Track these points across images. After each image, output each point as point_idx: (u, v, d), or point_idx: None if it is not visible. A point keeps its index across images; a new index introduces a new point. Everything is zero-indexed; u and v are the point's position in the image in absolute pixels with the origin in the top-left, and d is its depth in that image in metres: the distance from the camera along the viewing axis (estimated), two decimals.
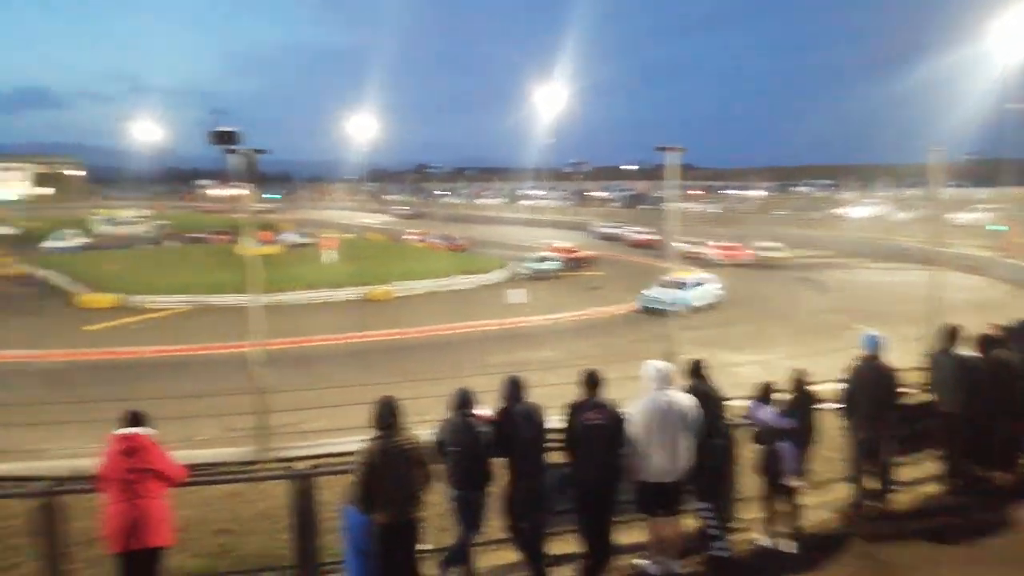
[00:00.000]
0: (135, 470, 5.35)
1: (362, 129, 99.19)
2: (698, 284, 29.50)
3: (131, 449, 5.39)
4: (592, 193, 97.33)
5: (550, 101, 66.03)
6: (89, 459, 10.14)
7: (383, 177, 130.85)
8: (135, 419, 5.57)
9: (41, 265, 40.18)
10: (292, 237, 53.64)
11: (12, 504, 7.85)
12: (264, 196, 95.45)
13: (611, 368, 6.75)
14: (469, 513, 5.95)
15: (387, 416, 5.37)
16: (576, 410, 5.95)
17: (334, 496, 7.56)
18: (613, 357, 15.99)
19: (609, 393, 6.05)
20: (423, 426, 5.64)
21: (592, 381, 6.00)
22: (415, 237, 56.24)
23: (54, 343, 22.57)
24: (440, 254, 46.79)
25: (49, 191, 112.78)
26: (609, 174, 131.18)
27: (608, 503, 6.01)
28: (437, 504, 7.15)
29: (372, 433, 5.37)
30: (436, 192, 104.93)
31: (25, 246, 50.51)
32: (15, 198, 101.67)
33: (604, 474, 5.94)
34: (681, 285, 27.79)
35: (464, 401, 6.00)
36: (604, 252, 47.99)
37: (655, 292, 27.60)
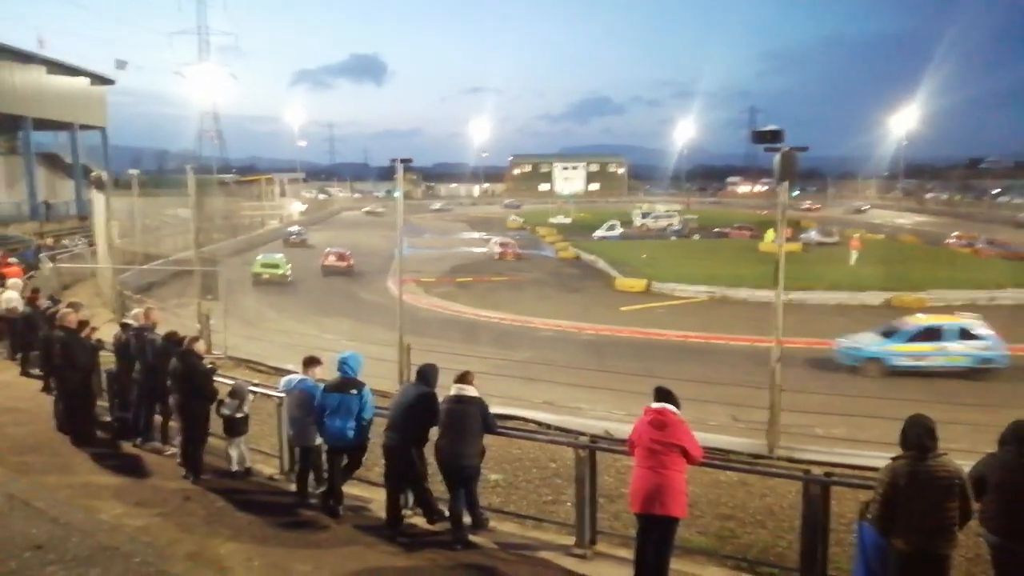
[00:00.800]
0: (662, 443, 5.82)
1: (901, 121, 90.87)
2: None
3: (661, 423, 5.89)
4: None
5: None
6: (616, 423, 11.50)
7: (923, 173, 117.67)
8: (666, 396, 6.07)
9: (587, 251, 46.48)
10: (814, 235, 52.11)
11: (560, 451, 9.36)
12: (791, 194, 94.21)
13: None
14: (1013, 569, 5.05)
15: (919, 436, 4.85)
16: None
17: (846, 509, 7.19)
18: None
19: None
20: (954, 456, 4.95)
21: None
22: (959, 241, 49.41)
23: (594, 318, 25.94)
24: (991, 262, 40.22)
25: (597, 187, 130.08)
26: None
27: None
28: (966, 546, 6.27)
29: (900, 452, 4.92)
30: (991, 191, 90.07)
31: (576, 234, 59.10)
32: (573, 192, 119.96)
33: None
34: None
35: (1018, 436, 5.09)
36: None
37: None
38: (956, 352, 18.75)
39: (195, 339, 9.36)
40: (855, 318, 26.03)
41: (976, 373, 18.51)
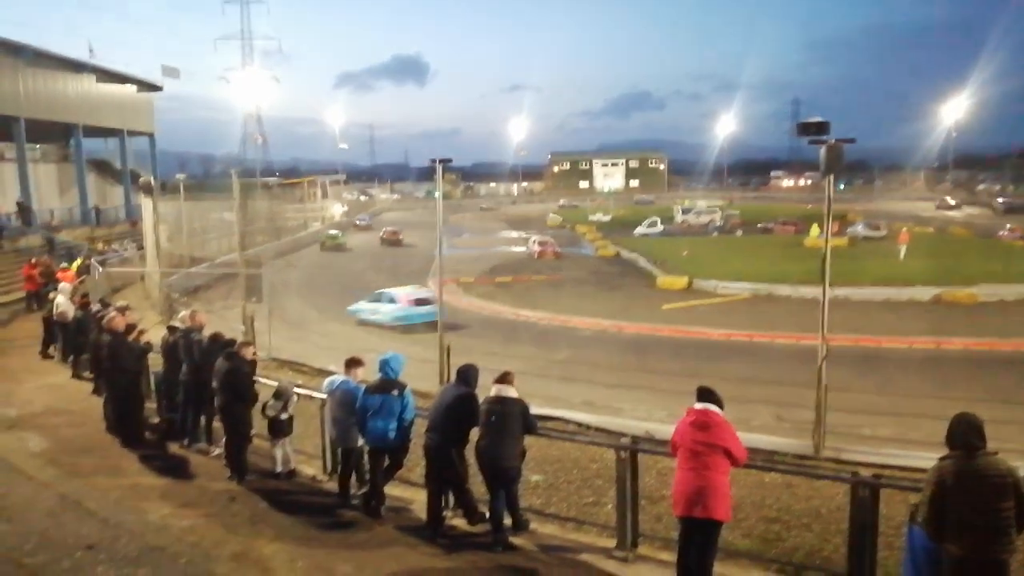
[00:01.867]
0: (705, 444, 5.73)
1: (950, 111, 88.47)
2: None
3: (704, 423, 5.80)
4: None
5: None
6: (658, 424, 11.39)
7: (974, 164, 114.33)
8: (709, 396, 5.96)
9: (628, 248, 46.17)
10: (860, 229, 51.03)
11: (601, 452, 9.29)
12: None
13: None
14: None
15: (965, 435, 4.69)
16: None
17: (895, 511, 7.01)
18: None
19: None
20: (1007, 456, 4.77)
21: None
22: (1012, 234, 47.93)
23: (635, 317, 25.74)
24: None
25: (636, 182, 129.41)
26: None
27: None
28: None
29: (947, 452, 4.76)
30: None
31: (616, 231, 58.78)
32: (613, 189, 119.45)
33: None
34: None
35: None
36: None
37: None
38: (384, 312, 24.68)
39: (246, 344, 9.49)
40: (904, 314, 25.43)
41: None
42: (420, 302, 24.52)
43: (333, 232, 56.51)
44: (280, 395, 9.04)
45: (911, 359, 19.18)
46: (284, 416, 8.96)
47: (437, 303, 18.69)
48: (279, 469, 8.95)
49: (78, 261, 25.16)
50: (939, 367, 18.15)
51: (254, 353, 9.72)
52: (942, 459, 4.77)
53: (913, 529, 5.12)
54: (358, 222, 70.85)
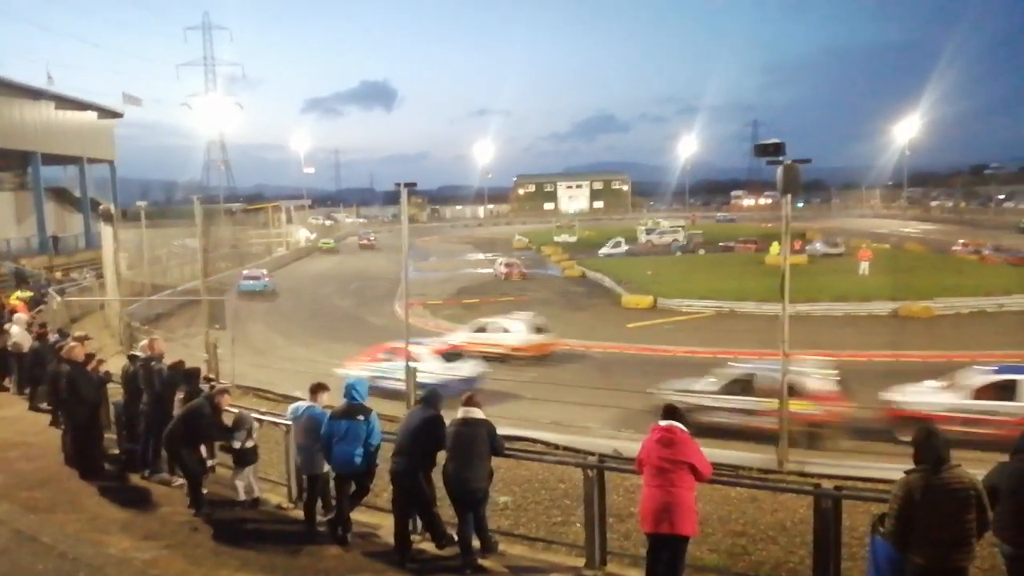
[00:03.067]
0: (671, 460, 5.78)
1: (904, 130, 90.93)
2: None
3: (669, 440, 5.86)
4: None
5: None
6: (625, 442, 11.44)
7: (927, 181, 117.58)
8: (674, 413, 6.04)
9: (593, 268, 46.50)
10: (820, 247, 52.08)
11: (569, 471, 9.31)
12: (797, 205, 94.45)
13: None
14: None
15: (934, 448, 4.79)
16: None
17: (857, 522, 7.13)
18: None
19: None
20: (968, 465, 4.90)
21: None
22: (966, 248, 49.29)
23: (601, 336, 25.89)
24: (997, 268, 40.14)
25: (600, 204, 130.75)
26: None
27: None
28: (981, 557, 6.19)
29: (914, 465, 4.86)
30: (997, 196, 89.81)
31: (581, 252, 59.23)
32: (577, 210, 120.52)
33: None
34: None
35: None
36: None
37: None
38: None
39: (222, 392, 9.28)
40: (863, 328, 25.94)
41: None
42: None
43: (326, 240, 74.65)
44: (240, 424, 8.92)
45: (870, 372, 19.53)
46: (248, 445, 8.85)
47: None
48: (242, 497, 8.81)
49: (27, 293, 24.36)
50: (898, 380, 18.47)
51: (227, 403, 9.50)
52: (909, 472, 4.85)
53: (876, 539, 5.22)
54: (361, 239, 79.53)
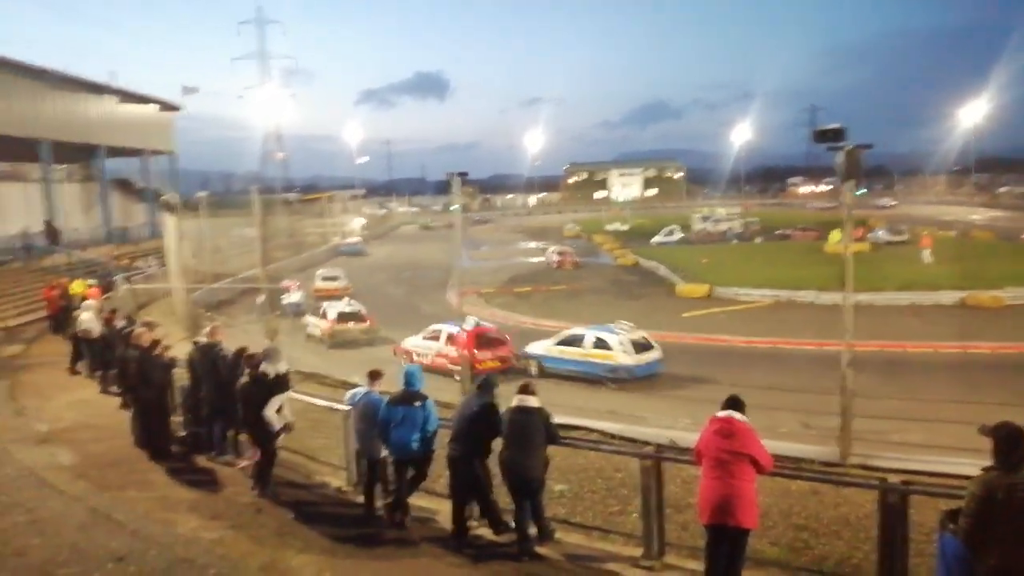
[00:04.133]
0: (730, 452, 5.69)
1: (970, 113, 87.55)
2: None
3: (728, 431, 5.76)
4: None
5: None
6: (682, 432, 11.32)
7: (995, 166, 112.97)
8: (734, 403, 5.93)
9: (646, 256, 46.04)
10: (882, 234, 50.57)
11: (625, 460, 9.26)
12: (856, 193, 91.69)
13: None
14: None
15: (1017, 447, 4.57)
16: None
17: (925, 518, 6.91)
18: None
19: None
20: None
21: None
22: None
23: (656, 325, 25.60)
24: None
25: (654, 192, 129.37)
26: None
27: None
28: None
29: (993, 463, 4.63)
30: None
31: (634, 240, 58.72)
32: (630, 198, 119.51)
33: None
34: None
35: None
36: None
37: None
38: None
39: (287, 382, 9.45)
40: (929, 319, 25.12)
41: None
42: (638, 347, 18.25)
43: (426, 221, 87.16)
44: (270, 356, 9.04)
45: (937, 364, 18.93)
46: (282, 372, 8.94)
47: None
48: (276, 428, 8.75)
49: (91, 281, 25.09)
50: (966, 371, 17.91)
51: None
52: (987, 470, 4.64)
53: (945, 536, 5.03)
54: (476, 218, 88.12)
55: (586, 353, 18.23)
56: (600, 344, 18.14)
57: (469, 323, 18.38)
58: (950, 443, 10.06)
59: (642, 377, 17.71)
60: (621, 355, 17.69)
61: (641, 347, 18.24)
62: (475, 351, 17.68)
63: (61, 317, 20.52)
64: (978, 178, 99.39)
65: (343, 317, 23.49)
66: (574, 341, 18.75)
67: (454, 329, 18.47)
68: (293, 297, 27.88)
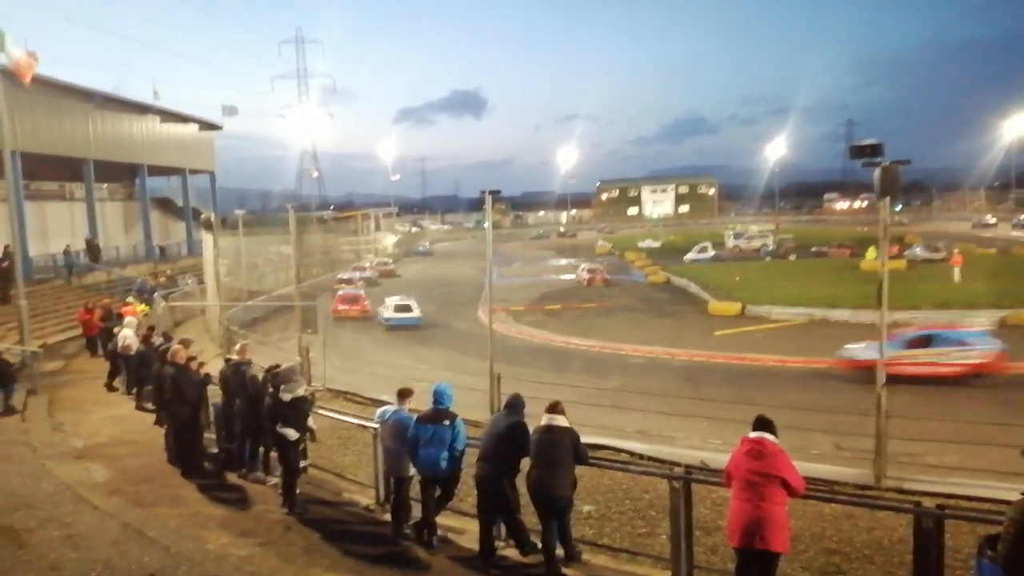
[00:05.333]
0: (760, 473, 5.63)
1: (1012, 128, 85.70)
2: None
3: (759, 452, 5.70)
4: None
5: None
6: (712, 453, 11.20)
7: None
8: (764, 424, 5.86)
9: (678, 274, 45.73)
10: (919, 251, 49.62)
11: (654, 481, 9.18)
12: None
13: None
14: None
15: None
16: None
17: (961, 543, 6.77)
18: None
19: None
20: None
21: None
22: None
23: (687, 344, 25.42)
24: None
25: (686, 208, 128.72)
26: None
27: None
28: None
29: None
30: None
31: (665, 257, 58.37)
32: (662, 215, 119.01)
33: None
34: None
35: None
36: None
37: None
38: None
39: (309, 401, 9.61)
40: None
41: None
42: None
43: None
44: (287, 377, 9.10)
45: (976, 384, 18.48)
46: (299, 394, 9.02)
47: None
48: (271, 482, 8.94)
49: (143, 307, 25.54)
50: (1006, 392, 17.48)
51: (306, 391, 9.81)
52: None
53: (983, 563, 4.92)
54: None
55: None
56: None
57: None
58: (988, 466, 9.81)
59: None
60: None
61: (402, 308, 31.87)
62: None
63: (101, 337, 20.58)
64: (1018, 193, 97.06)
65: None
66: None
67: None
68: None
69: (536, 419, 7.23)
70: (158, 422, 12.74)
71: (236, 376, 10.43)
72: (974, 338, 19.72)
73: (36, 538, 7.95)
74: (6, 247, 23.51)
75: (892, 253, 42.50)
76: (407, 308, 32.08)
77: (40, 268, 32.18)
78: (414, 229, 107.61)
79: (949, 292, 32.37)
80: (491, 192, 15.69)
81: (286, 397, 8.90)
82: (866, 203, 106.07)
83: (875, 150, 9.81)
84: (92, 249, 35.26)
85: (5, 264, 23.72)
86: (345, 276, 46.94)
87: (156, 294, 28.84)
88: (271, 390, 9.19)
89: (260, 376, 10.23)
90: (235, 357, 11.07)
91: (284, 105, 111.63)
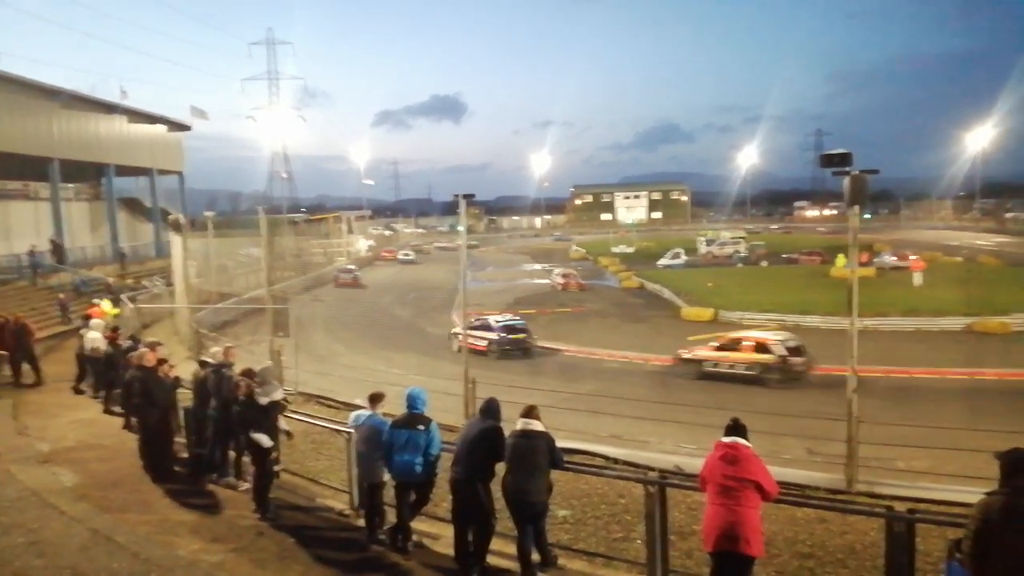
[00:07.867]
0: (735, 478, 5.65)
1: (977, 139, 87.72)
2: None
3: (733, 457, 5.73)
4: None
5: None
6: (686, 457, 11.24)
7: (1002, 192, 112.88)
8: (737, 429, 5.90)
9: (651, 279, 46.04)
10: (888, 259, 50.51)
11: (629, 486, 9.19)
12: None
13: None
14: None
15: (1020, 471, 4.56)
16: None
17: (932, 547, 6.84)
18: None
19: None
20: None
21: None
22: None
23: (660, 349, 25.55)
24: None
25: (659, 215, 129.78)
26: None
27: None
28: None
29: (996, 487, 4.63)
30: None
31: (639, 263, 58.77)
32: (635, 221, 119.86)
33: None
34: None
35: None
36: None
37: None
38: None
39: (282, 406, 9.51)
40: (935, 344, 25.02)
41: None
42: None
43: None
44: (264, 377, 9.04)
45: (944, 390, 18.82)
46: (275, 398, 8.96)
47: None
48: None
49: (116, 310, 24.96)
50: (973, 398, 17.80)
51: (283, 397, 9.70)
52: (990, 494, 4.63)
53: (952, 565, 4.99)
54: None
55: None
56: None
57: None
58: (957, 471, 9.97)
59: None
60: None
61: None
62: None
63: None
64: (983, 203, 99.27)
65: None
66: None
67: None
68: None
69: (512, 424, 7.20)
70: (126, 426, 12.55)
71: (217, 378, 10.26)
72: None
73: (0, 545, 7.76)
74: None
75: (862, 260, 43.31)
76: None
77: (3, 268, 31.51)
78: (387, 232, 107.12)
79: (917, 299, 33.00)
80: (465, 196, 15.62)
81: (263, 400, 8.79)
82: (835, 211, 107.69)
83: (844, 159, 9.96)
84: (57, 249, 34.60)
85: None
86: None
87: (122, 295, 28.31)
88: (241, 397, 9.05)
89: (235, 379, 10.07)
90: (211, 360, 10.89)
91: (254, 107, 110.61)
